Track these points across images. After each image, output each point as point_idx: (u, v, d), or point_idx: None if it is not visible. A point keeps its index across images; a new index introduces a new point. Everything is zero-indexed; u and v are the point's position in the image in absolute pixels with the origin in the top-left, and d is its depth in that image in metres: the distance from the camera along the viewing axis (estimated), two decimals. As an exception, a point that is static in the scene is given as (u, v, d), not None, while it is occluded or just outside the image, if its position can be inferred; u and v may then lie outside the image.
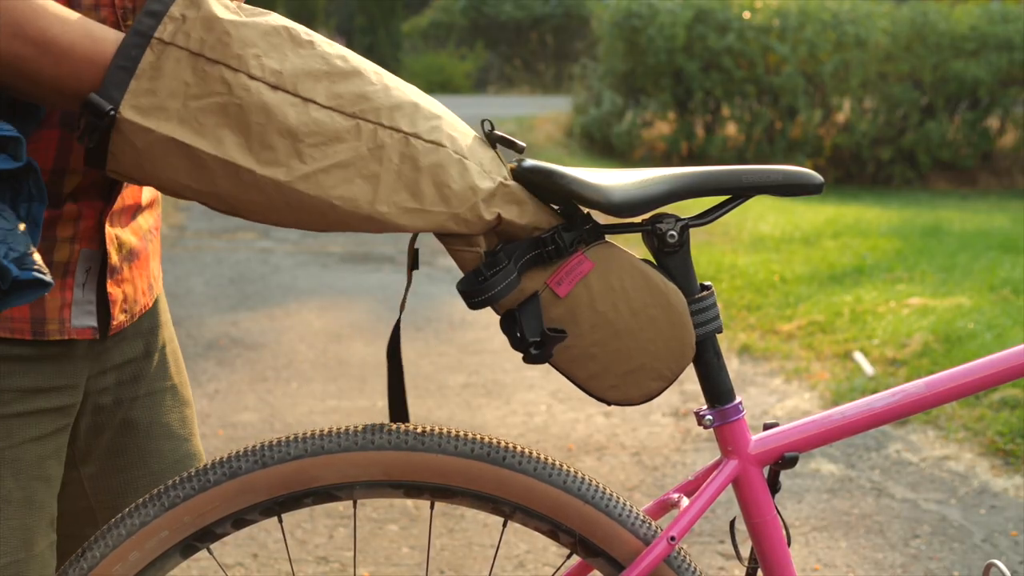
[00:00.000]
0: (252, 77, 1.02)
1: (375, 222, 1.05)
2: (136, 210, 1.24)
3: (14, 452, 1.14)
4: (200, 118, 1.01)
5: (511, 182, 1.10)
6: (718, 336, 1.18)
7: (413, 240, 1.14)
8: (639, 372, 1.13)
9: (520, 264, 1.09)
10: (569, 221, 1.12)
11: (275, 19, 1.06)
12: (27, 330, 1.13)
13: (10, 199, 1.01)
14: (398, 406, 1.18)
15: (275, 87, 1.02)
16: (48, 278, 0.98)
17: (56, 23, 0.99)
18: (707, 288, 1.17)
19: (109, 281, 1.19)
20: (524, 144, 1.14)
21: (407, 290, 1.14)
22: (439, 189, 1.05)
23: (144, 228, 1.26)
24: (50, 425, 1.18)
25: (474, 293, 1.09)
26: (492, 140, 1.12)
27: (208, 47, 1.01)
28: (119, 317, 1.21)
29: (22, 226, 0.99)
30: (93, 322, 1.18)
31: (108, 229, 1.18)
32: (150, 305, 1.29)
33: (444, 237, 1.09)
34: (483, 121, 1.13)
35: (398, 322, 1.15)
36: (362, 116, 1.04)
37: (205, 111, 1.01)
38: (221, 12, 1.02)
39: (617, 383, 1.13)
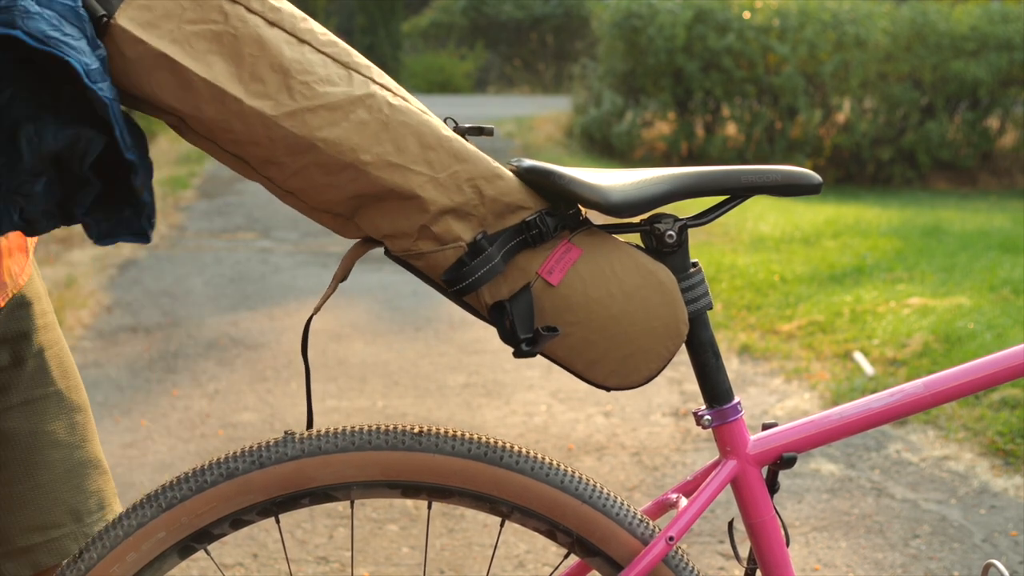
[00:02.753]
0: (251, 10, 1.02)
1: (353, 171, 1.04)
2: None
3: None
4: (193, 42, 1.01)
5: (495, 161, 1.11)
6: (718, 337, 1.18)
7: (354, 251, 1.12)
8: (637, 355, 1.13)
9: (504, 251, 1.09)
10: (553, 205, 1.11)
11: None
12: None
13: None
14: (309, 412, 1.16)
15: (272, 23, 1.03)
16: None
17: None
18: (694, 265, 1.17)
19: None
20: (492, 127, 1.14)
21: (326, 296, 1.11)
22: (424, 150, 1.06)
23: None
24: None
25: (457, 280, 1.08)
26: (460, 133, 1.13)
27: None
28: None
29: None
30: None
31: None
32: None
33: (414, 254, 1.08)
34: (446, 119, 1.14)
35: (308, 323, 1.14)
36: (355, 68, 1.06)
37: (198, 36, 1.01)
38: None
39: (617, 368, 1.13)
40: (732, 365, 4.17)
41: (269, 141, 1.03)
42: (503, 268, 1.09)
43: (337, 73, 1.04)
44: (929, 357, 3.96)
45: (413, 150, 1.05)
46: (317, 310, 1.12)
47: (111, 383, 3.86)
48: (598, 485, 1.15)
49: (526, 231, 1.09)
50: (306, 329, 1.14)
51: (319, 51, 1.04)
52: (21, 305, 1.22)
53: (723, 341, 4.41)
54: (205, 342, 4.41)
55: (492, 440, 1.13)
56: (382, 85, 1.06)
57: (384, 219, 1.07)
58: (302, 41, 1.04)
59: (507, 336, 1.10)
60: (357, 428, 1.11)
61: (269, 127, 1.02)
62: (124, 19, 0.99)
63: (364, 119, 1.04)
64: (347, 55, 1.06)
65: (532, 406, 3.74)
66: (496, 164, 1.10)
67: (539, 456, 1.14)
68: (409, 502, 2.87)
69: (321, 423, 3.49)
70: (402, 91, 1.09)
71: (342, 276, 1.12)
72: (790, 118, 10.48)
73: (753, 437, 1.22)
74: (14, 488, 1.20)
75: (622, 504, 1.16)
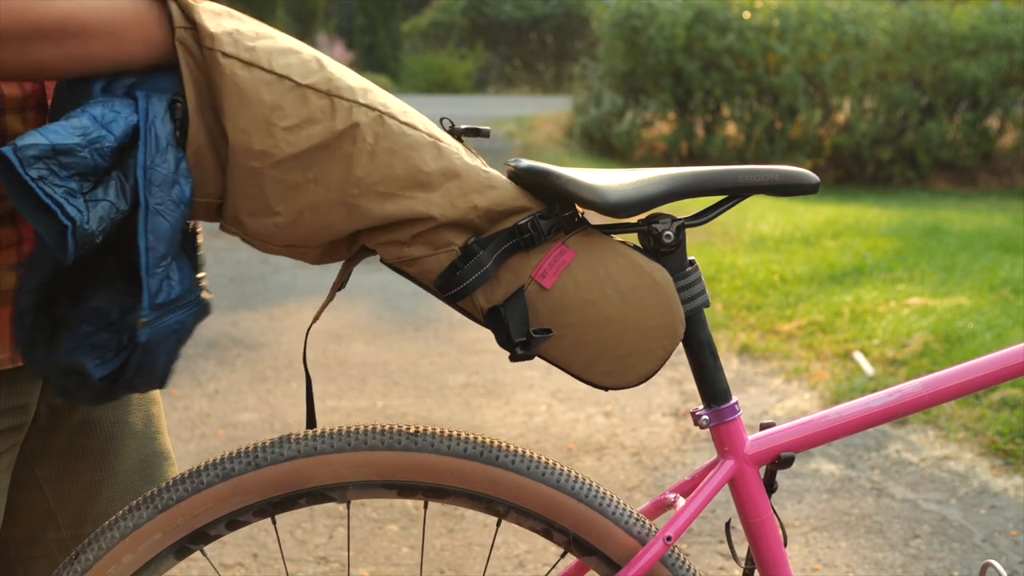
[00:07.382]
0: (226, 55, 0.98)
1: (344, 207, 1.03)
2: None
3: None
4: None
5: (488, 168, 1.09)
6: (717, 337, 1.18)
7: (351, 261, 1.12)
8: (633, 355, 1.12)
9: (496, 255, 1.08)
10: (548, 208, 1.11)
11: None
12: None
13: None
14: (310, 412, 1.16)
15: (249, 63, 0.99)
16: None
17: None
18: (691, 263, 1.16)
19: None
20: (488, 128, 1.13)
21: (324, 304, 1.12)
22: (412, 173, 1.04)
23: None
24: (3, 444, 1.14)
25: (448, 286, 1.08)
26: (456, 135, 1.11)
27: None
28: None
29: None
30: None
31: None
32: None
33: (407, 260, 1.07)
34: (442, 119, 1.12)
35: (308, 332, 1.15)
36: (337, 94, 1.02)
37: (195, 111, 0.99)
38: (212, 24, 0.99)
39: (612, 368, 1.13)
40: (732, 365, 4.17)
41: (260, 192, 1.01)
42: (494, 273, 1.08)
43: (320, 107, 1.01)
44: (929, 357, 3.96)
45: (401, 176, 1.04)
46: (316, 319, 1.13)
47: (110, 383, 3.86)
48: (595, 484, 1.15)
49: (518, 235, 1.09)
50: (306, 338, 1.16)
51: (300, 85, 1.00)
52: None
53: (723, 341, 4.41)
54: (205, 342, 4.41)
55: (488, 440, 1.13)
56: (367, 105, 1.03)
57: (380, 233, 1.07)
58: (281, 77, 1.00)
59: (502, 340, 1.10)
60: (353, 428, 1.11)
61: (259, 179, 1.00)
62: None
63: (349, 152, 1.02)
64: (328, 82, 1.02)
65: (532, 406, 3.74)
66: (487, 173, 1.08)
67: (535, 456, 1.14)
68: (409, 502, 2.87)
69: (321, 423, 3.49)
70: (391, 105, 1.06)
71: (340, 284, 1.11)
72: (790, 118, 10.49)
73: (751, 437, 1.21)
74: (93, 475, 1.25)
75: (619, 504, 1.15)
